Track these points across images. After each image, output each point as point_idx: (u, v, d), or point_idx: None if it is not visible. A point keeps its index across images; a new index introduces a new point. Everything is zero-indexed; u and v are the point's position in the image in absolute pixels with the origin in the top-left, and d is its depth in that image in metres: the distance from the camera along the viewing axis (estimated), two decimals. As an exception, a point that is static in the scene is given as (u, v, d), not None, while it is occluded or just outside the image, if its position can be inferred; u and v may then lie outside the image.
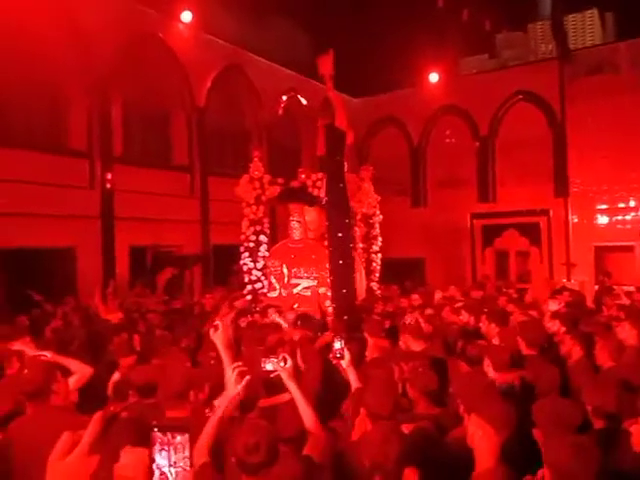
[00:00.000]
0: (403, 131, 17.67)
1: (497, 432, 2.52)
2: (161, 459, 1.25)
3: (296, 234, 9.09)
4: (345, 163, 7.38)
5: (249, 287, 9.03)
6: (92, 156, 11.07)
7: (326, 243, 8.19)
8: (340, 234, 7.31)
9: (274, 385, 3.37)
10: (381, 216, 10.45)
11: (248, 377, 2.90)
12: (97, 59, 10.78)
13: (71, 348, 4.71)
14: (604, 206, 14.46)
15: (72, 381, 3.72)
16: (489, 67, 16.15)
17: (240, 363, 3.03)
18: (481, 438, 2.49)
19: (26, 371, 3.40)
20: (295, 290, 8.63)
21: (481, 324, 5.55)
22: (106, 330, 6.06)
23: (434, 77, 16.51)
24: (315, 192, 8.64)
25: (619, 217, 14.31)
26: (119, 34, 11.10)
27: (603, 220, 14.54)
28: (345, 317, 6.45)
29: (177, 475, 1.25)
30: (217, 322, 3.37)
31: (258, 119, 15.04)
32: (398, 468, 2.24)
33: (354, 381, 3.61)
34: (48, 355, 3.86)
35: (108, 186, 11.15)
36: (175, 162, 13.26)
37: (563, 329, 4.96)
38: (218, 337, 3.28)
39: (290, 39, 14.69)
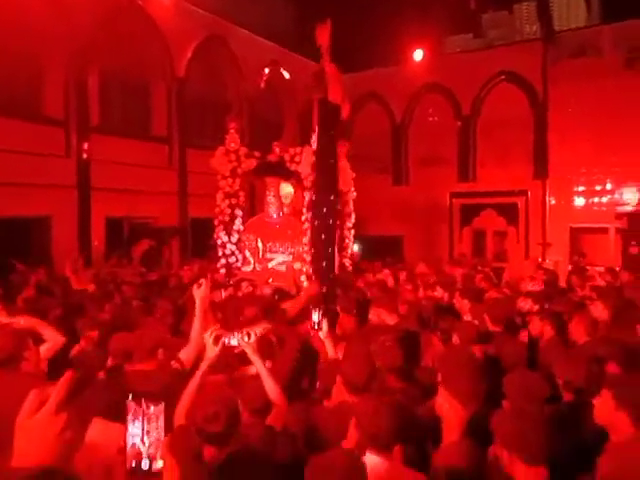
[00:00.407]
0: (386, 108, 17.59)
1: (464, 406, 2.57)
2: (134, 428, 1.24)
3: (272, 209, 9.01)
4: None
5: (223, 261, 8.94)
6: (68, 125, 10.83)
7: (304, 218, 8.18)
8: (325, 209, 7.29)
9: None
10: (355, 193, 10.41)
11: (224, 340, 2.97)
12: (76, 27, 10.47)
13: (46, 318, 4.64)
14: (581, 188, 14.65)
15: (43, 349, 3.67)
16: (474, 46, 16.13)
17: (217, 326, 3.11)
18: (448, 411, 2.55)
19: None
20: (270, 265, 8.61)
21: (455, 300, 5.62)
22: (82, 300, 6.00)
23: (418, 55, 16.39)
24: (293, 167, 8.51)
25: (595, 199, 14.52)
26: (98, 1, 10.77)
27: (580, 202, 14.75)
28: (323, 290, 6.50)
29: (150, 445, 1.24)
30: (202, 280, 3.44)
31: (239, 91, 14.82)
32: (392, 440, 2.28)
33: (331, 352, 3.64)
34: (21, 321, 3.81)
35: (84, 156, 10.94)
36: (154, 133, 13.04)
37: (536, 307, 5.06)
38: (199, 293, 3.37)
39: (273, 11, 14.41)
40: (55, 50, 10.57)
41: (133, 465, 1.24)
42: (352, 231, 10.08)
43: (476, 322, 4.43)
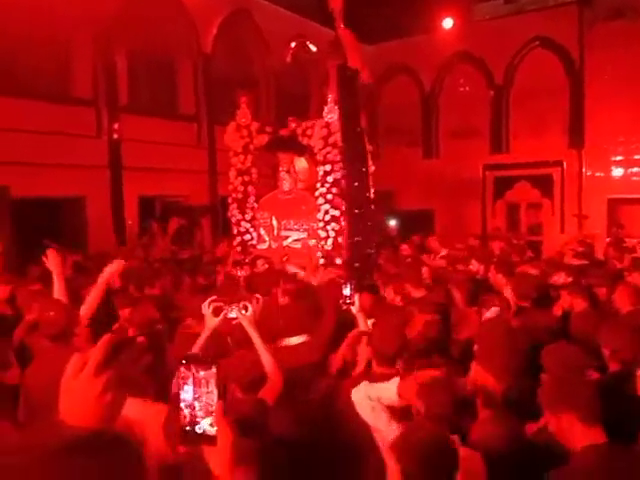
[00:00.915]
0: (415, 79, 17.20)
1: (498, 381, 2.55)
2: (184, 394, 1.25)
3: (285, 185, 8.86)
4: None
5: (238, 239, 8.87)
6: (98, 105, 10.92)
7: (318, 193, 8.04)
8: (357, 183, 7.16)
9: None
10: (373, 167, 10.24)
11: (225, 311, 3.08)
12: (101, 7, 10.46)
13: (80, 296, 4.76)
14: (619, 158, 14.15)
15: (82, 310, 3.75)
16: (504, 13, 15.43)
17: (215, 297, 3.21)
18: (482, 386, 2.52)
19: (51, 313, 3.41)
20: (285, 242, 8.51)
21: (490, 274, 5.54)
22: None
23: (447, 23, 15.91)
24: (305, 141, 8.32)
25: (634, 169, 14.02)
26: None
27: (618, 172, 14.26)
28: (356, 264, 6.46)
29: (201, 409, 1.25)
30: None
31: (265, 66, 14.69)
32: (455, 417, 2.28)
33: (362, 325, 3.64)
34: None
35: (115, 136, 11.05)
36: (182, 111, 13.06)
37: (569, 280, 4.95)
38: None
39: (299, -18, 14.14)
40: (82, 31, 10.61)
41: (187, 429, 1.25)
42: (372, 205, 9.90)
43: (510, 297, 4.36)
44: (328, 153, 8.07)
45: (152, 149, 11.22)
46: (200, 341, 3.08)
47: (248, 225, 8.89)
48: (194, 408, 1.24)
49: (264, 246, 8.67)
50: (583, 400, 2.05)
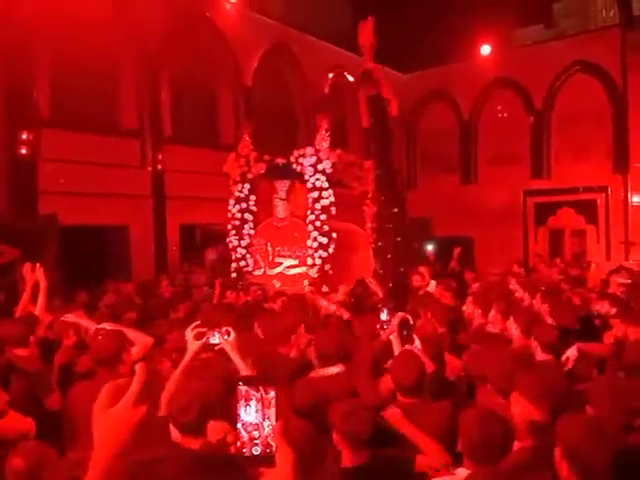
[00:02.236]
0: (453, 106, 17.21)
1: (539, 411, 2.49)
2: (246, 416, 1.27)
3: (280, 212, 8.98)
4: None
5: (234, 265, 9.01)
6: (143, 136, 11.35)
7: (308, 220, 8.16)
8: (396, 209, 7.18)
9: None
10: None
11: (208, 336, 3.21)
12: (146, 40, 10.97)
13: (119, 321, 4.90)
14: (667, 182, 13.71)
15: (135, 351, 3.86)
16: (546, 38, 15.37)
17: (198, 323, 3.36)
18: (520, 415, 2.48)
19: (100, 338, 3.59)
20: (278, 269, 8.60)
21: (534, 302, 5.43)
22: (159, 304, 6.29)
23: (486, 49, 15.96)
24: (298, 168, 8.45)
25: (683, 194, 13.55)
26: (167, 14, 11.23)
27: (666, 197, 13.81)
28: (390, 285, 6.43)
29: (269, 429, 1.27)
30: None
31: (304, 97, 14.97)
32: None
33: (397, 350, 3.61)
34: (107, 327, 4.02)
35: (159, 166, 11.42)
36: (223, 141, 13.40)
37: (614, 310, 4.79)
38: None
39: (336, 14, 14.48)
40: (127, 64, 11.11)
41: (244, 451, 1.27)
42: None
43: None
44: (317, 180, 8.22)
45: (194, 178, 11.53)
46: (182, 365, 3.18)
47: (244, 251, 9.04)
48: (257, 429, 1.25)
49: (259, 272, 8.80)
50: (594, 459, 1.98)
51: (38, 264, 4.67)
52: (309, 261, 8.16)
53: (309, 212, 8.25)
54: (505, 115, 16.54)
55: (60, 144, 9.61)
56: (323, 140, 8.46)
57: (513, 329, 4.34)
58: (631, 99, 13.91)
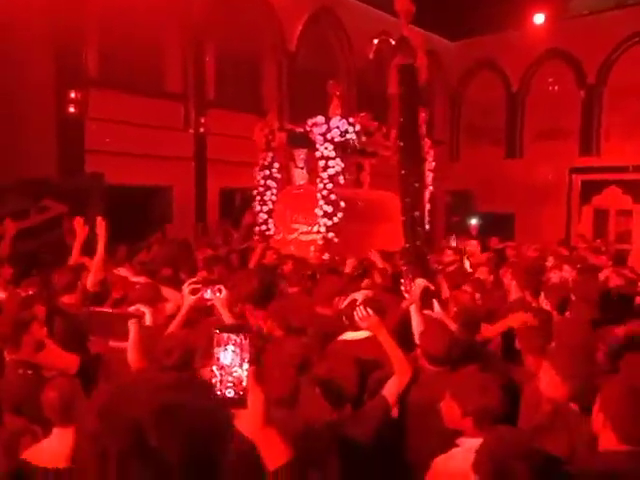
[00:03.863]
0: (502, 76, 16.68)
1: (564, 380, 2.52)
2: (223, 359, 1.32)
3: (297, 179, 9.30)
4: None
5: (257, 229, 9.40)
6: (187, 100, 11.47)
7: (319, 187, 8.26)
8: (417, 184, 7.08)
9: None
10: (434, 163, 10.12)
11: (202, 292, 3.51)
12: (191, 5, 10.98)
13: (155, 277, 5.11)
14: None
15: (169, 307, 4.05)
16: (603, 7, 14.53)
17: (194, 279, 3.78)
18: (548, 384, 2.51)
19: (137, 287, 4.03)
20: (293, 235, 8.88)
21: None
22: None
23: (539, 18, 15.28)
24: (312, 137, 8.54)
25: None
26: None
27: None
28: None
29: (244, 373, 1.33)
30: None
31: (348, 63, 14.77)
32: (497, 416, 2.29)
33: (417, 326, 3.65)
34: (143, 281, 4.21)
35: (201, 129, 11.55)
36: (265, 106, 13.40)
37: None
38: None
39: (385, -21, 14.10)
40: (173, 29, 11.18)
41: (218, 393, 1.33)
42: (427, 205, 9.81)
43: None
44: (325, 149, 8.30)
45: (235, 143, 11.61)
46: (178, 317, 3.46)
47: (266, 216, 9.42)
48: (231, 373, 1.31)
49: (279, 237, 9.11)
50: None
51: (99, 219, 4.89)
52: (316, 228, 8.38)
53: (318, 180, 8.40)
54: (555, 88, 15.95)
55: (107, 104, 9.81)
56: (336, 108, 8.51)
57: (544, 305, 4.32)
58: (692, 74, 13.21)
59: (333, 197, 8.27)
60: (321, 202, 8.34)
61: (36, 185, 8.11)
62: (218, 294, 3.50)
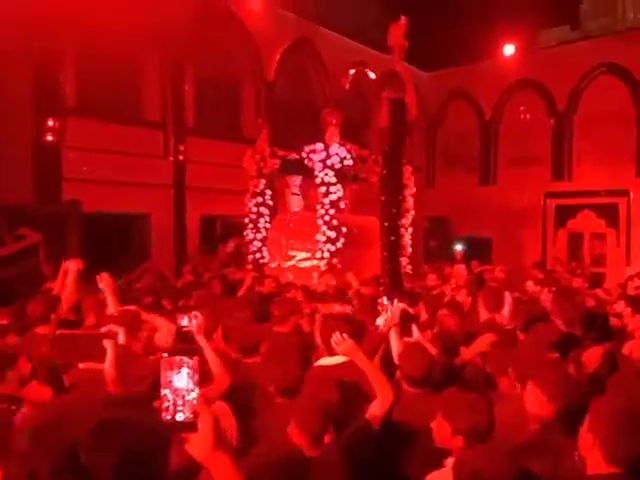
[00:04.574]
0: (475, 106, 17.13)
1: (550, 402, 2.53)
2: (178, 382, 1.30)
3: (293, 206, 9.24)
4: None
5: (251, 257, 9.28)
6: (166, 127, 11.51)
7: (318, 215, 8.29)
8: (394, 210, 7.19)
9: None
10: (415, 188, 10.28)
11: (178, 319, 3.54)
12: (171, 34, 11.09)
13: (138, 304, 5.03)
14: (690, 187, 13.50)
15: (158, 336, 3.99)
16: (572, 39, 15.20)
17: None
18: (532, 405, 2.52)
19: (116, 314, 3.94)
20: (291, 262, 8.75)
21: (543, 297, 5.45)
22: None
23: (509, 49, 15.83)
24: (310, 164, 8.56)
25: None
26: (192, 8, 11.35)
27: (689, 202, 13.60)
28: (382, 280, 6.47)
29: (186, 397, 1.31)
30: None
31: (326, 93, 15.01)
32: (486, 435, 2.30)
33: (396, 349, 3.66)
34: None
35: (180, 157, 11.57)
36: (244, 135, 13.50)
37: (629, 310, 4.80)
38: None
39: (360, 11, 14.49)
40: (152, 57, 11.28)
41: (169, 417, 1.30)
42: (410, 229, 9.91)
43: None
44: (326, 175, 8.33)
45: (215, 170, 11.66)
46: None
47: (260, 244, 9.31)
48: (184, 396, 1.29)
49: (275, 265, 8.98)
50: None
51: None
52: (318, 254, 8.30)
53: (319, 207, 8.40)
54: (527, 116, 16.42)
55: (84, 132, 9.79)
56: (333, 135, 8.60)
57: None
58: (657, 102, 13.72)
59: (335, 222, 8.27)
60: (324, 228, 8.27)
61: (12, 213, 7.99)
62: (194, 321, 3.45)
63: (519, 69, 15.50)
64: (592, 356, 3.44)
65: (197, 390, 1.32)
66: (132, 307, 4.37)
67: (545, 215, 15.67)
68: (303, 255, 8.65)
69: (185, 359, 1.31)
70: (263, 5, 12.68)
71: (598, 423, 2.02)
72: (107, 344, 3.00)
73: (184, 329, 3.55)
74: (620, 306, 5.10)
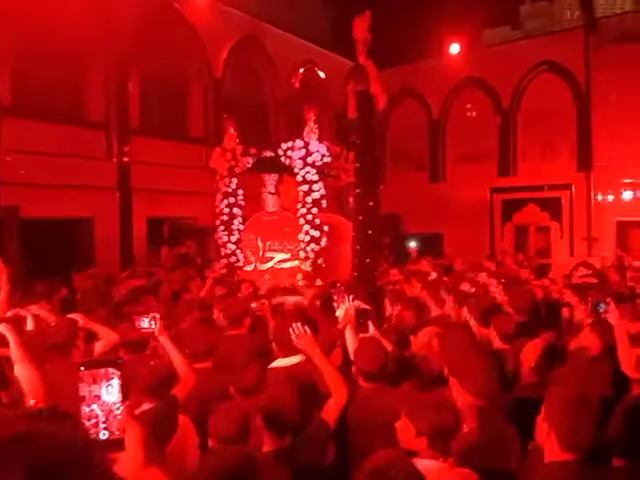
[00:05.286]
0: (423, 104, 17.36)
1: (475, 398, 2.57)
2: (108, 396, 1.20)
3: (269, 206, 8.90)
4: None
5: (224, 261, 8.87)
6: (109, 128, 11.11)
7: (299, 214, 8.14)
8: (371, 203, 7.15)
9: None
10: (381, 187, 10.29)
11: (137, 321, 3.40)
12: (115, 32, 10.74)
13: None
14: (628, 180, 14.11)
15: (99, 346, 3.79)
16: (513, 38, 15.73)
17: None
18: (461, 403, 2.56)
19: (52, 324, 3.73)
20: (269, 264, 8.47)
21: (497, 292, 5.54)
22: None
23: (455, 48, 16.12)
24: (287, 161, 8.37)
25: (644, 192, 13.97)
26: (137, 6, 11.03)
27: (627, 195, 14.21)
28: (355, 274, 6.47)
29: (109, 413, 1.21)
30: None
31: (274, 91, 14.90)
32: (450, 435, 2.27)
33: (352, 345, 3.63)
34: (80, 321, 3.90)
35: (125, 158, 11.20)
36: (192, 134, 13.24)
37: (575, 299, 4.94)
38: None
39: (308, 10, 14.45)
40: (96, 55, 10.87)
41: (94, 436, 1.19)
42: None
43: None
44: (307, 173, 8.14)
45: (162, 171, 11.35)
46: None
47: (234, 247, 8.92)
48: (113, 411, 1.18)
49: (250, 268, 8.65)
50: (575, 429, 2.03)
51: None
52: (301, 255, 8.05)
53: (300, 205, 8.13)
54: (474, 114, 16.78)
55: (22, 134, 9.33)
56: (312, 132, 8.40)
57: (467, 319, 4.42)
58: (594, 99, 14.27)
59: (318, 221, 8.03)
60: (306, 227, 8.00)
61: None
62: (153, 323, 3.35)
63: (465, 67, 15.80)
64: (533, 348, 3.49)
65: (123, 404, 1.21)
66: (75, 314, 4.15)
67: (492, 210, 16.06)
68: (283, 256, 8.39)
69: (115, 370, 1.20)
70: (208, 2, 12.44)
71: (552, 412, 2.06)
72: (5, 330, 2.62)
73: (144, 331, 3.44)
74: (568, 295, 5.23)
